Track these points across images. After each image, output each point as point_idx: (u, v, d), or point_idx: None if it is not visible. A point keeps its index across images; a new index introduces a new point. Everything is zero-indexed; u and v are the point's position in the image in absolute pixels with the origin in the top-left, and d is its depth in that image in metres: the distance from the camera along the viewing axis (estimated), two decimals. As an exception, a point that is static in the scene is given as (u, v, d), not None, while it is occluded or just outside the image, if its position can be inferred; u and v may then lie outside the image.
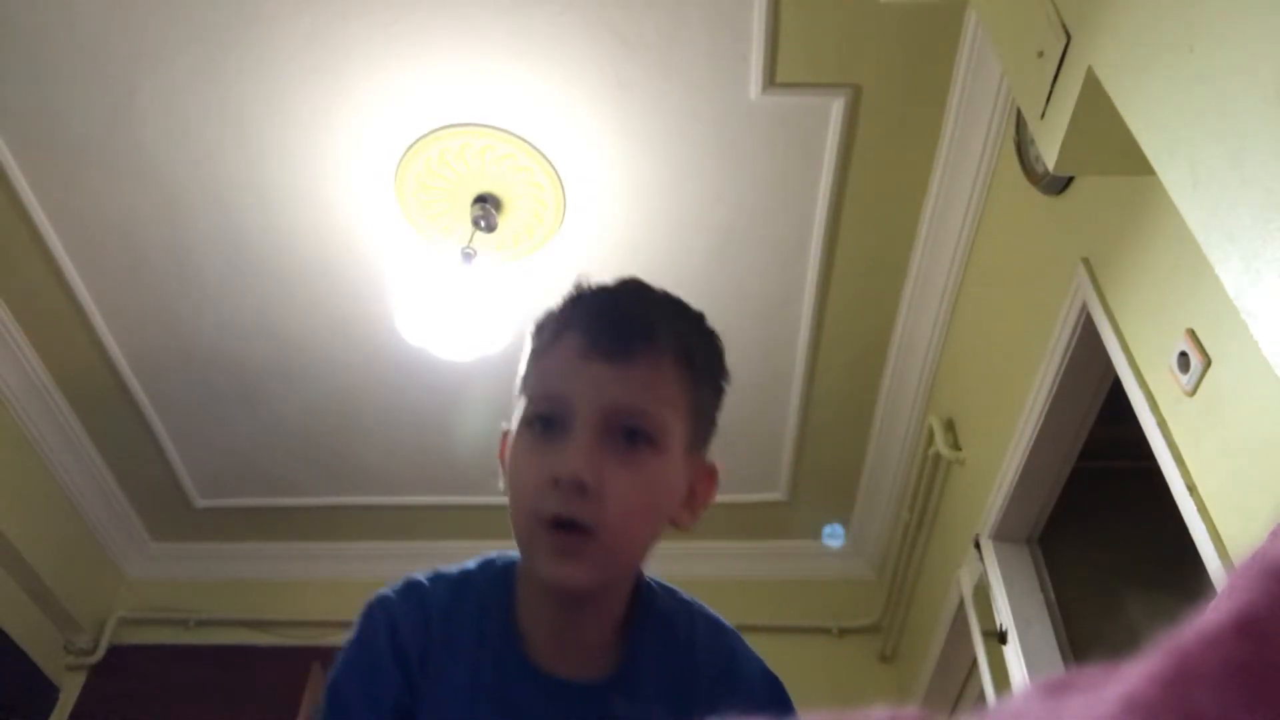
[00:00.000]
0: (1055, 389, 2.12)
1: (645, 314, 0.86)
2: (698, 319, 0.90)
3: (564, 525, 0.79)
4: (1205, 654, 0.19)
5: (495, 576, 0.90)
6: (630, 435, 0.82)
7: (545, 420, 0.83)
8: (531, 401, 0.85)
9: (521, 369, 0.90)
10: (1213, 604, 0.20)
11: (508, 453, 0.87)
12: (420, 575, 0.90)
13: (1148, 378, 1.72)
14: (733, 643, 0.96)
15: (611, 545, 0.81)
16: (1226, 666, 0.18)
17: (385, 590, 0.89)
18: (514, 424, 0.87)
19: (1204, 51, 1.08)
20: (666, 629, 0.92)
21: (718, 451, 0.92)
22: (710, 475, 0.90)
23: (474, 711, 0.83)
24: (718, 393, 0.92)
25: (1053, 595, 2.43)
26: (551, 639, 0.87)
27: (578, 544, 0.79)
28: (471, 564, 0.93)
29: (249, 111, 2.42)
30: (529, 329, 0.91)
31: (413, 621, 0.86)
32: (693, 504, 0.88)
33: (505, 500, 0.85)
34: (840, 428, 3.23)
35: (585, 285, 0.89)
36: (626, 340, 0.83)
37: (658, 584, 0.95)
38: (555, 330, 0.87)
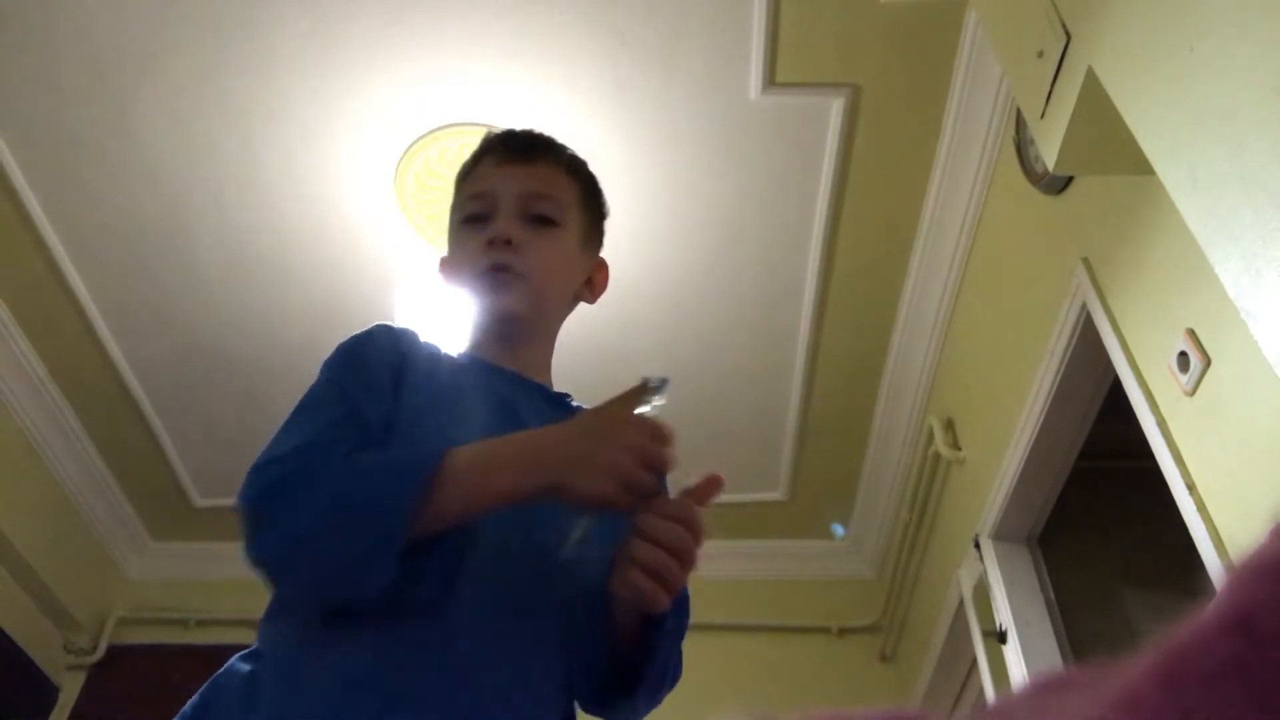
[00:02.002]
0: (1055, 389, 2.12)
1: (541, 137, 1.17)
2: (580, 157, 1.19)
3: (500, 270, 1.05)
4: (1202, 653, 0.19)
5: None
6: (540, 220, 1.09)
7: (476, 216, 1.10)
8: (465, 204, 1.12)
9: (452, 203, 1.17)
10: (1211, 603, 0.20)
11: (449, 249, 1.15)
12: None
13: (1148, 378, 1.72)
14: None
15: (537, 285, 1.07)
16: (1224, 665, 0.18)
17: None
18: (449, 240, 1.16)
19: (1204, 51, 1.08)
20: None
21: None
22: (603, 266, 1.20)
23: (450, 391, 1.00)
24: (599, 208, 1.20)
25: (1052, 595, 2.43)
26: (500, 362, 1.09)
27: (511, 280, 1.05)
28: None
29: (249, 111, 2.42)
30: (456, 174, 1.19)
31: (393, 336, 1.02)
32: (593, 287, 1.18)
33: None
34: (840, 427, 3.22)
35: (491, 131, 1.18)
36: (531, 150, 1.14)
37: None
38: (475, 158, 1.16)
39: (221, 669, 0.89)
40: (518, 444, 0.87)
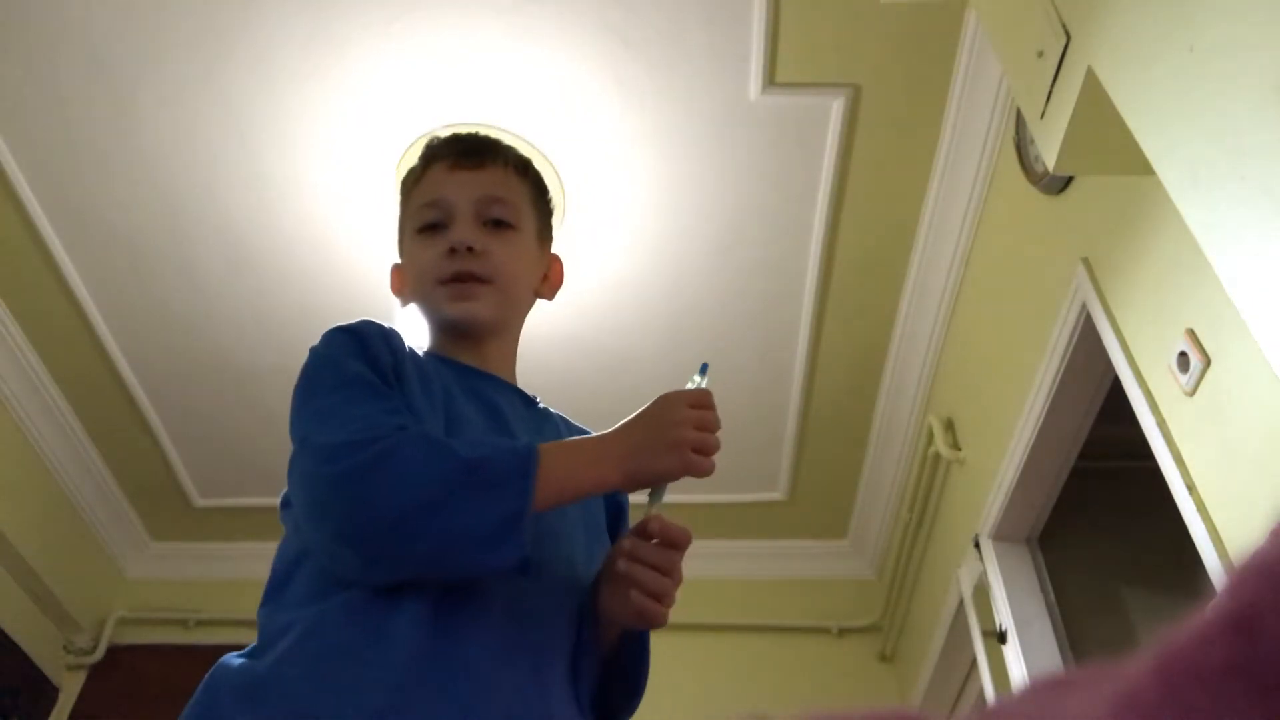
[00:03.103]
0: (1055, 389, 2.11)
1: (488, 139, 1.18)
2: (526, 156, 1.20)
3: (462, 279, 1.06)
4: (1203, 653, 0.19)
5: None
6: (496, 224, 1.10)
7: (431, 225, 1.10)
8: (418, 213, 1.12)
9: (398, 208, 1.18)
10: (1211, 604, 0.20)
11: (404, 259, 1.16)
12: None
13: (1147, 378, 1.72)
14: None
15: (501, 288, 1.08)
16: (1224, 666, 0.18)
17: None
18: (400, 250, 1.16)
19: (1204, 51, 1.08)
20: (556, 413, 1.17)
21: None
22: (557, 261, 1.21)
23: (443, 394, 1.00)
24: (548, 203, 1.22)
25: (1052, 595, 2.43)
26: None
27: (475, 288, 1.07)
28: None
29: (249, 111, 2.42)
30: (401, 180, 1.20)
31: (384, 334, 1.01)
32: (550, 282, 1.20)
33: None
34: (840, 427, 3.22)
35: (435, 137, 1.20)
36: (480, 154, 1.14)
37: None
38: (423, 163, 1.16)
39: (211, 672, 0.86)
40: (589, 444, 0.93)
